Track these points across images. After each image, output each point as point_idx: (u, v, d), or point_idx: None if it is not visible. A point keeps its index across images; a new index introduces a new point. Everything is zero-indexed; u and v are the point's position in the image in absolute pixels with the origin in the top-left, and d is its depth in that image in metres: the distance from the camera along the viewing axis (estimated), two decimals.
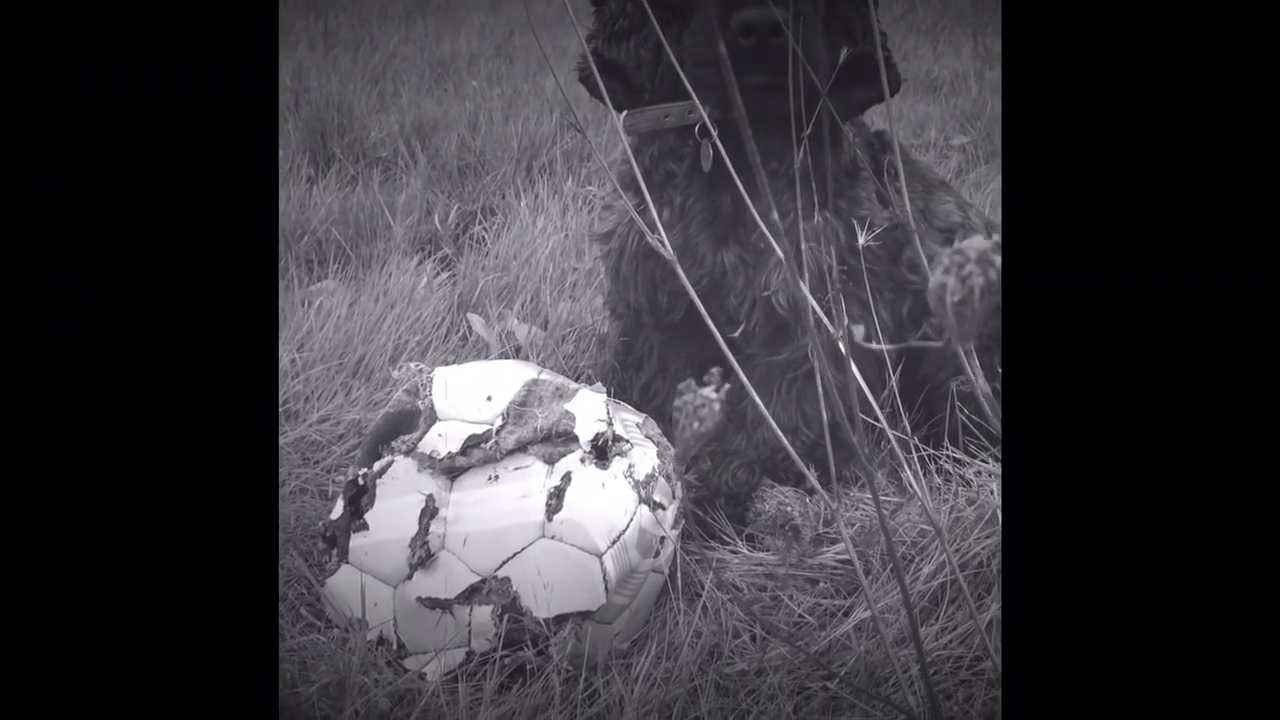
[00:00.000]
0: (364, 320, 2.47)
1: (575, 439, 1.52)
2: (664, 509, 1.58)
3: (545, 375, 1.62)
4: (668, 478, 1.60)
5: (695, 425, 0.76)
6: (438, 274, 2.86)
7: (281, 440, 2.13)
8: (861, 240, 1.31)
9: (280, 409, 2.23)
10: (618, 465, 1.53)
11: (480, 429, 1.52)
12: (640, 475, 1.55)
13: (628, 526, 1.50)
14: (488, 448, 1.50)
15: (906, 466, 1.33)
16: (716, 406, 0.75)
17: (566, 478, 1.49)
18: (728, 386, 0.74)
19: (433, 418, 1.57)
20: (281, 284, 2.68)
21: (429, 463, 1.52)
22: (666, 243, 1.24)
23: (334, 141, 3.75)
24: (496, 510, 1.48)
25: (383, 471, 1.55)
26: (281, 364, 2.31)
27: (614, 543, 1.48)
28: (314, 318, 2.47)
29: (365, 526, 1.52)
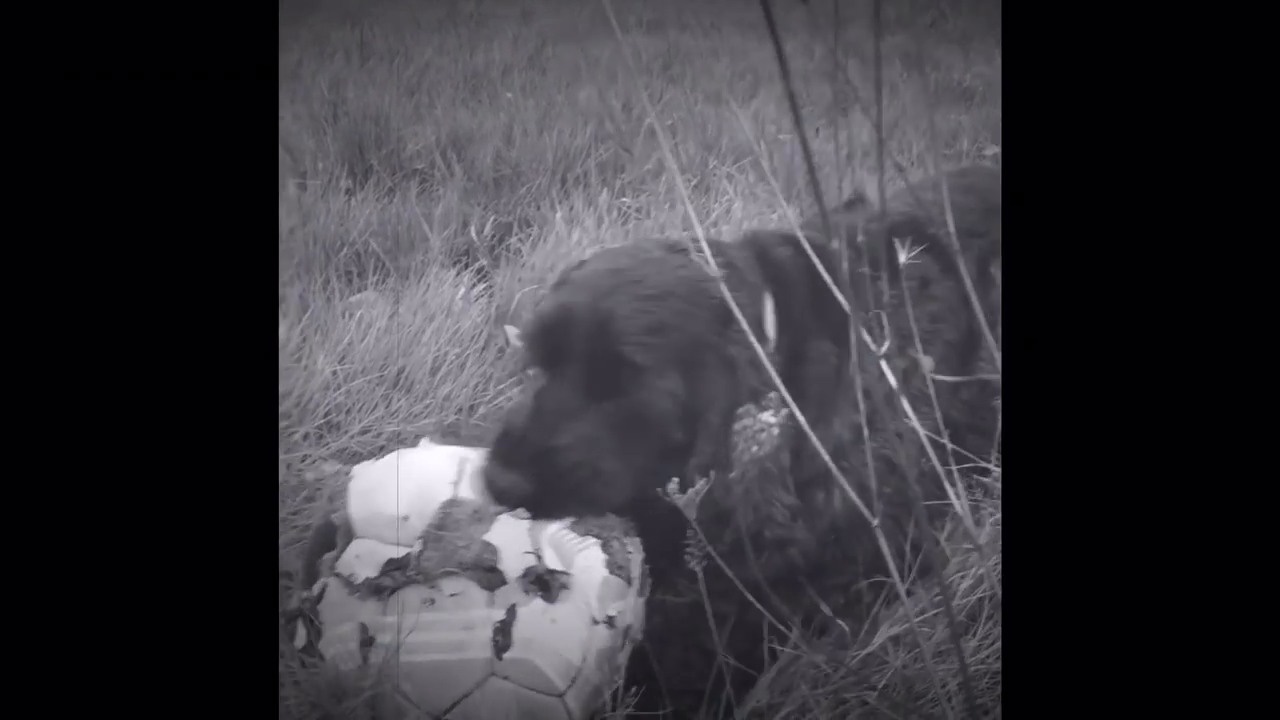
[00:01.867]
0: (404, 333, 2.50)
1: (499, 572, 1.43)
2: (628, 586, 1.51)
3: (462, 492, 1.53)
4: (620, 568, 1.51)
5: (754, 449, 0.78)
6: (474, 286, 2.89)
7: (323, 452, 2.16)
8: (904, 258, 1.32)
9: (322, 420, 2.27)
10: (565, 598, 1.44)
11: (398, 552, 1.45)
12: (593, 600, 1.45)
13: (585, 658, 1.42)
14: (409, 574, 1.43)
15: (948, 481, 1.34)
16: (775, 431, 0.77)
17: (511, 612, 1.40)
18: (785, 411, 0.76)
19: (349, 534, 1.50)
20: (322, 296, 2.72)
21: (352, 587, 1.44)
22: (711, 260, 1.26)
23: (371, 153, 3.79)
24: (439, 641, 1.39)
25: (320, 597, 1.47)
26: (323, 376, 2.34)
27: (574, 680, 1.40)
28: (354, 330, 2.51)
29: (321, 657, 1.44)
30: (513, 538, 1.48)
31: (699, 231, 1.44)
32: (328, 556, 1.49)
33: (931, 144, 4.29)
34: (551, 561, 1.47)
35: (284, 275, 2.89)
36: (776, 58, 0.67)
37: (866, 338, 1.25)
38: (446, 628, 1.40)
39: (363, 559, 1.46)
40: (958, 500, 1.26)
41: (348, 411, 2.28)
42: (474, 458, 1.58)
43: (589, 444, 1.54)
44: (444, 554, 1.43)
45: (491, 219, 3.37)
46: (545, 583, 1.43)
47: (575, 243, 3.06)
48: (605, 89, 4.77)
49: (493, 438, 1.56)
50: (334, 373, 2.36)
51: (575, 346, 1.56)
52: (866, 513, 1.22)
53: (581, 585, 1.46)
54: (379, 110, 3.99)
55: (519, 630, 1.39)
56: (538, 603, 1.41)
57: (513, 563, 1.44)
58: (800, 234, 1.14)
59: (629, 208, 3.46)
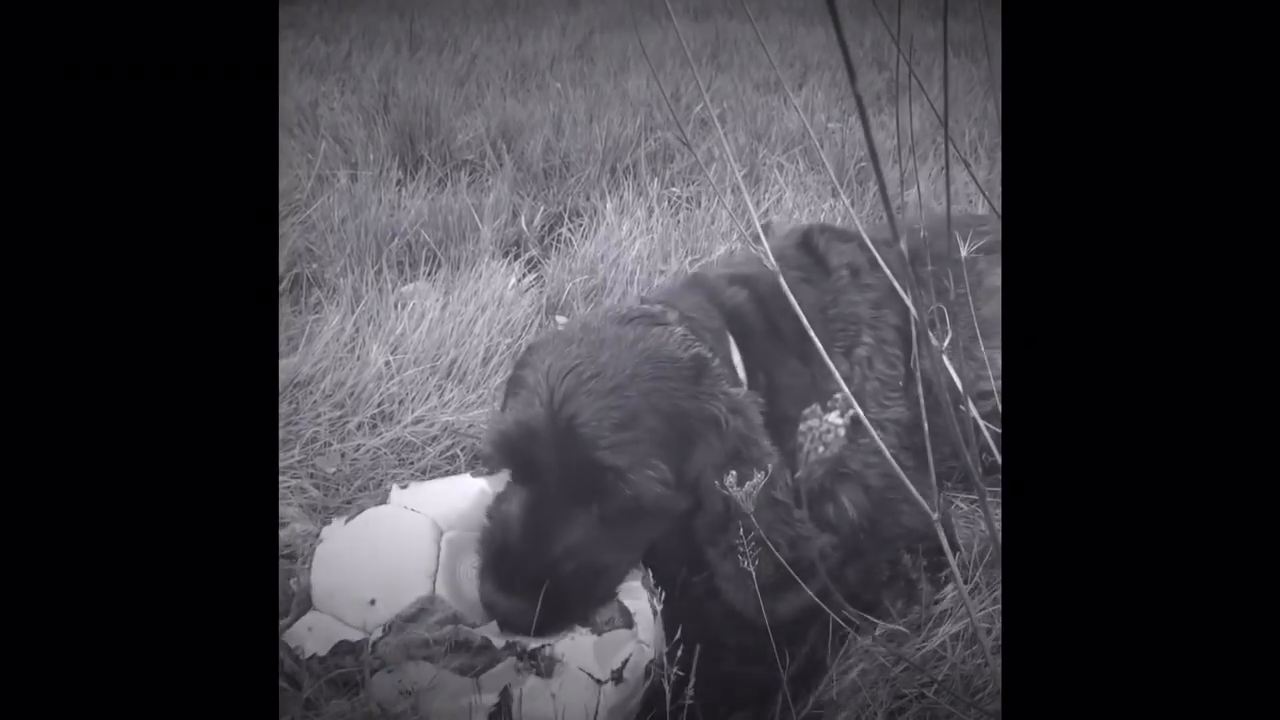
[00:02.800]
0: (456, 323, 2.51)
1: (488, 647, 1.36)
2: (630, 629, 1.46)
3: (439, 591, 1.42)
4: (609, 621, 1.46)
5: (820, 450, 0.77)
6: (524, 276, 2.89)
7: (377, 441, 2.18)
8: (964, 251, 1.31)
9: (376, 410, 2.28)
10: (560, 670, 1.37)
11: (354, 635, 1.36)
12: (592, 664, 1.39)
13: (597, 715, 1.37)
14: (365, 659, 1.33)
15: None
16: (841, 432, 0.76)
17: (505, 695, 1.33)
18: (852, 413, 0.75)
19: (306, 603, 1.41)
20: (375, 287, 2.73)
21: (301, 669, 1.35)
22: (770, 257, 1.25)
23: (422, 144, 3.80)
24: None
25: (297, 678, 1.39)
26: (376, 366, 2.36)
27: None
28: (407, 320, 2.52)
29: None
30: (490, 626, 1.41)
31: (756, 222, 1.43)
32: (281, 624, 1.40)
33: (983, 132, 4.23)
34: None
35: (336, 266, 2.91)
36: (845, 65, 0.65)
37: (928, 333, 1.24)
38: (437, 716, 1.33)
39: (314, 633, 1.37)
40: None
41: (401, 402, 2.30)
42: (451, 532, 1.50)
43: (586, 549, 1.49)
44: (406, 640, 1.34)
45: (541, 209, 3.37)
46: (535, 658, 1.36)
47: (626, 233, 3.05)
48: (653, 78, 4.76)
49: (485, 555, 1.49)
50: (387, 363, 2.37)
51: (546, 460, 1.50)
52: (926, 506, 1.21)
53: (575, 651, 1.40)
54: (429, 101, 4.01)
55: (518, 710, 1.33)
56: (533, 681, 1.34)
57: (494, 641, 1.37)
58: (862, 230, 1.12)
59: (679, 197, 3.45)
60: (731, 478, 1.21)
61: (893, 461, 1.21)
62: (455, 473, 2.11)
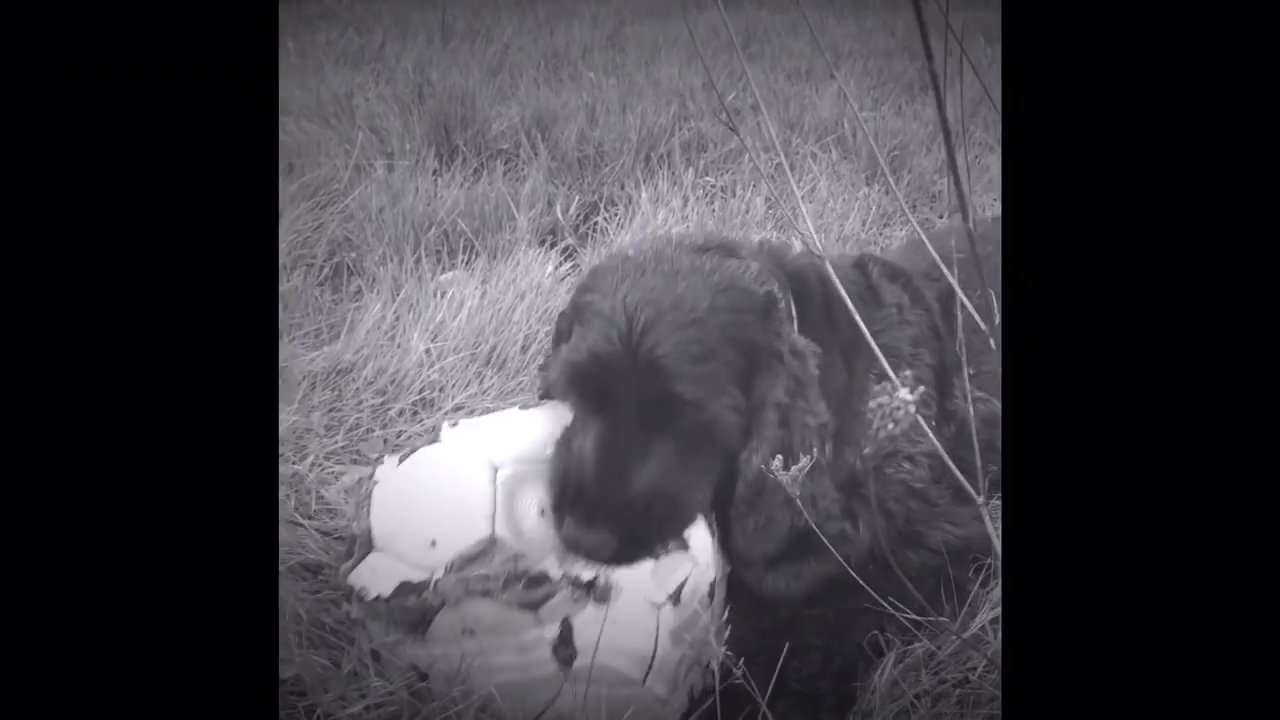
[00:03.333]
0: (494, 311, 2.53)
1: (544, 579, 1.36)
2: (686, 550, 1.47)
3: (500, 531, 1.40)
4: (682, 545, 1.47)
5: (890, 426, 0.79)
6: (560, 264, 2.91)
7: (418, 428, 2.21)
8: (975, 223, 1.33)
9: (417, 397, 2.31)
10: (617, 595, 1.38)
11: (416, 575, 1.36)
12: (649, 586, 1.40)
13: (658, 642, 1.38)
14: (426, 597, 1.34)
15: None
16: (912, 409, 0.78)
17: (566, 625, 1.34)
18: (922, 389, 0.77)
19: (368, 545, 1.42)
20: (414, 276, 2.76)
21: (369, 609, 1.38)
22: (816, 241, 1.26)
23: (457, 134, 3.82)
24: (497, 665, 1.35)
25: (361, 623, 1.43)
26: (416, 354, 2.39)
27: (651, 667, 1.37)
28: (446, 309, 2.54)
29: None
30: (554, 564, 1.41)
31: (802, 208, 1.44)
32: (344, 566, 1.43)
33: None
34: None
35: (375, 254, 2.94)
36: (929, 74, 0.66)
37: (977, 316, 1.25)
38: (500, 652, 1.34)
39: (378, 574, 1.39)
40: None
41: (441, 389, 2.33)
42: (505, 469, 1.48)
43: (665, 481, 1.49)
44: (467, 576, 1.34)
45: (577, 198, 3.39)
46: (592, 587, 1.36)
47: (661, 222, 3.07)
48: (685, 67, 4.77)
49: (561, 492, 1.47)
50: (427, 351, 2.40)
51: (621, 392, 1.49)
52: (971, 490, 1.23)
53: (631, 576, 1.40)
54: (464, 91, 4.03)
55: (579, 638, 1.34)
56: (590, 609, 1.35)
57: (551, 574, 1.37)
58: (914, 221, 1.14)
59: (714, 186, 3.46)
60: (778, 461, 1.21)
61: (943, 452, 1.22)
62: None
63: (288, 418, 2.13)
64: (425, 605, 1.33)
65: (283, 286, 2.69)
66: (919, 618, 1.50)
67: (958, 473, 1.23)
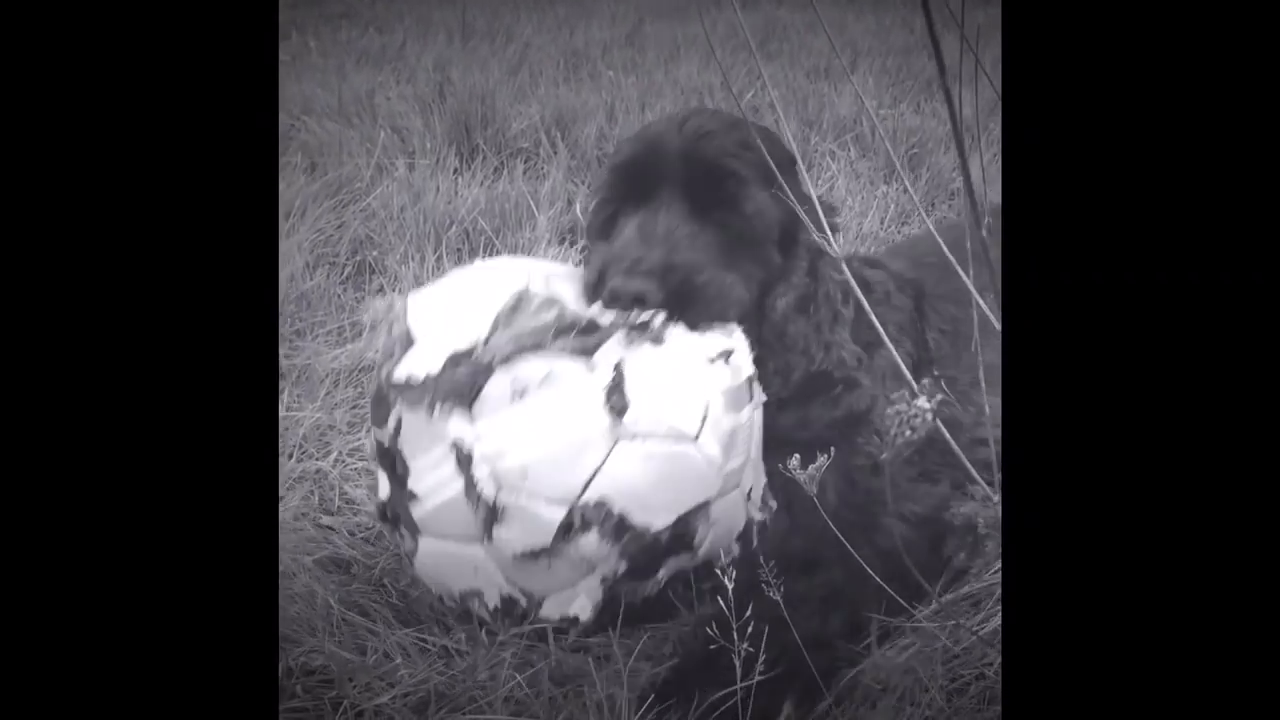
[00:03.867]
0: None
1: (595, 326, 1.33)
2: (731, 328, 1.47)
3: (534, 284, 1.39)
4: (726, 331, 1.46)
5: (908, 433, 0.80)
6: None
7: None
8: (984, 230, 1.33)
9: None
10: (672, 337, 1.36)
11: (464, 343, 1.31)
12: (701, 340, 1.38)
13: (711, 402, 1.34)
14: (477, 357, 1.30)
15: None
16: (930, 416, 0.79)
17: (619, 370, 1.30)
18: (940, 396, 0.79)
19: (408, 341, 1.37)
20: (435, 274, 2.79)
21: (419, 393, 1.31)
22: (831, 240, 1.28)
23: (477, 133, 3.85)
24: (545, 429, 1.29)
25: (397, 431, 1.36)
26: None
27: (704, 421, 1.32)
28: None
29: (414, 496, 1.36)
30: (592, 310, 1.39)
31: (816, 202, 1.46)
32: (387, 367, 1.37)
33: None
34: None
35: (396, 253, 2.98)
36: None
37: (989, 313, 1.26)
38: (549, 412, 1.30)
39: (423, 359, 1.33)
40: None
41: None
42: (539, 271, 1.47)
43: (706, 262, 1.53)
44: (514, 332, 1.30)
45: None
46: (647, 326, 1.34)
47: None
48: (704, 66, 4.78)
49: (602, 262, 1.50)
50: None
51: (670, 170, 1.56)
52: (983, 484, 1.24)
53: (680, 336, 1.39)
54: (483, 90, 4.06)
55: (632, 384, 1.30)
56: (645, 350, 1.33)
57: (602, 316, 1.35)
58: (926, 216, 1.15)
59: None
60: (795, 460, 1.23)
61: (949, 437, 1.23)
62: None
63: (311, 415, 2.16)
64: (476, 367, 1.29)
65: (304, 285, 2.73)
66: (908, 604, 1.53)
67: (967, 463, 1.24)
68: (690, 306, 1.48)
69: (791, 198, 1.33)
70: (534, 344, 1.30)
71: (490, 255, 3.01)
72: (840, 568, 1.52)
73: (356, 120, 4.10)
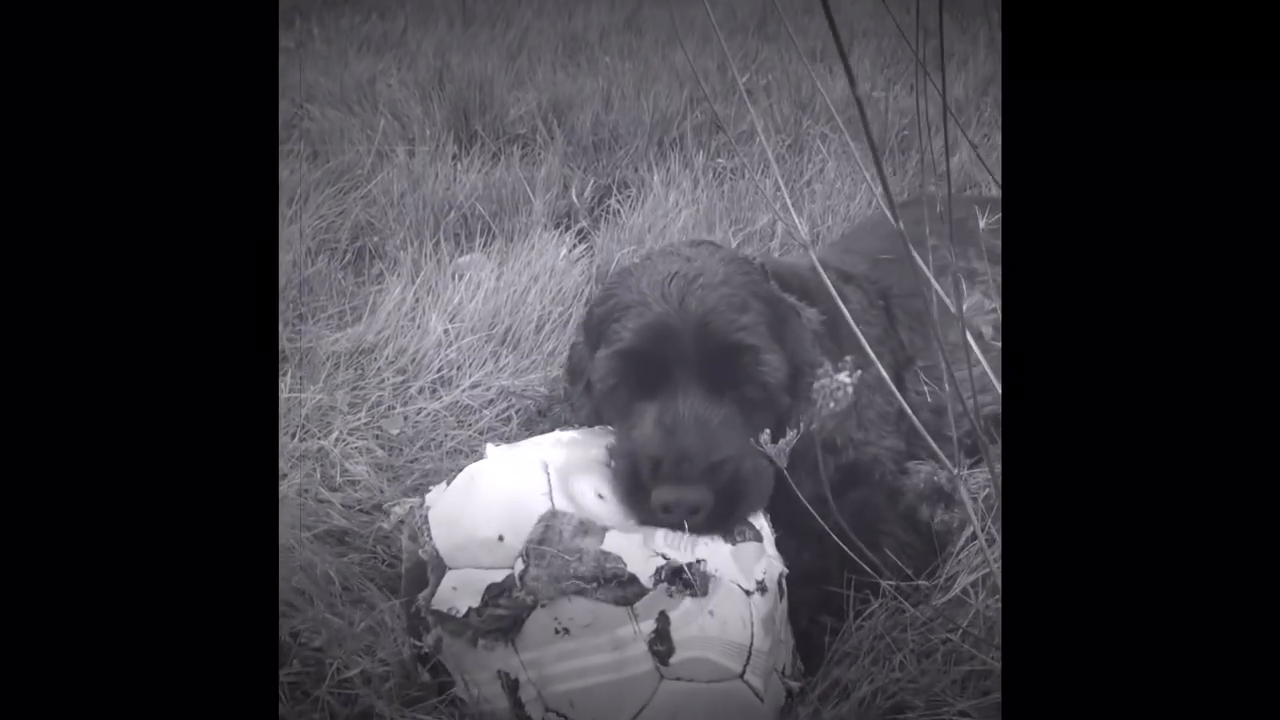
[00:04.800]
0: (510, 292, 2.64)
1: (636, 581, 1.34)
2: (760, 542, 1.49)
3: (557, 495, 1.42)
4: (741, 532, 1.48)
5: (831, 405, 0.89)
6: (575, 247, 3.01)
7: (437, 405, 2.32)
8: (983, 223, 1.40)
9: (435, 375, 2.43)
10: (714, 587, 1.37)
11: (499, 575, 1.35)
12: (738, 575, 1.40)
13: (753, 633, 1.37)
14: (515, 595, 1.34)
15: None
16: (850, 390, 0.88)
17: (664, 619, 1.33)
18: (859, 373, 0.87)
19: (441, 568, 1.40)
20: (433, 259, 2.88)
21: (464, 628, 1.36)
22: (802, 229, 1.36)
23: (476, 119, 3.92)
24: (590, 666, 1.33)
25: (438, 648, 1.42)
26: (435, 334, 2.50)
27: (748, 659, 1.36)
28: (464, 291, 2.66)
29: (461, 701, 1.41)
30: (629, 542, 1.39)
31: (786, 198, 1.54)
32: (423, 595, 1.41)
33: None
34: (689, 555, 1.40)
35: (396, 238, 3.06)
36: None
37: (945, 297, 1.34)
38: (594, 651, 1.33)
39: (460, 590, 1.37)
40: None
41: (459, 367, 2.44)
42: (556, 459, 1.50)
43: (741, 441, 1.52)
44: (553, 570, 1.34)
45: (591, 182, 3.49)
46: (689, 580, 1.35)
47: (672, 204, 3.16)
48: (701, 50, 4.84)
49: (631, 463, 1.51)
50: (445, 331, 2.52)
51: (682, 356, 1.56)
52: (948, 463, 1.32)
53: (720, 566, 1.40)
54: (482, 76, 4.13)
55: (676, 632, 1.33)
56: (688, 602, 1.34)
57: (640, 566, 1.35)
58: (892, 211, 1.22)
59: (724, 169, 3.54)
60: (765, 435, 1.30)
61: (914, 419, 1.31)
62: (510, 433, 2.25)
63: (313, 396, 2.25)
64: (518, 605, 1.33)
65: (307, 271, 2.81)
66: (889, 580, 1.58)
67: (930, 440, 1.32)
68: (741, 502, 1.50)
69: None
70: (576, 591, 1.33)
71: (487, 240, 3.09)
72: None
73: (358, 108, 4.17)
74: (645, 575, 1.34)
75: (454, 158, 3.64)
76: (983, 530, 1.80)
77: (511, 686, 1.35)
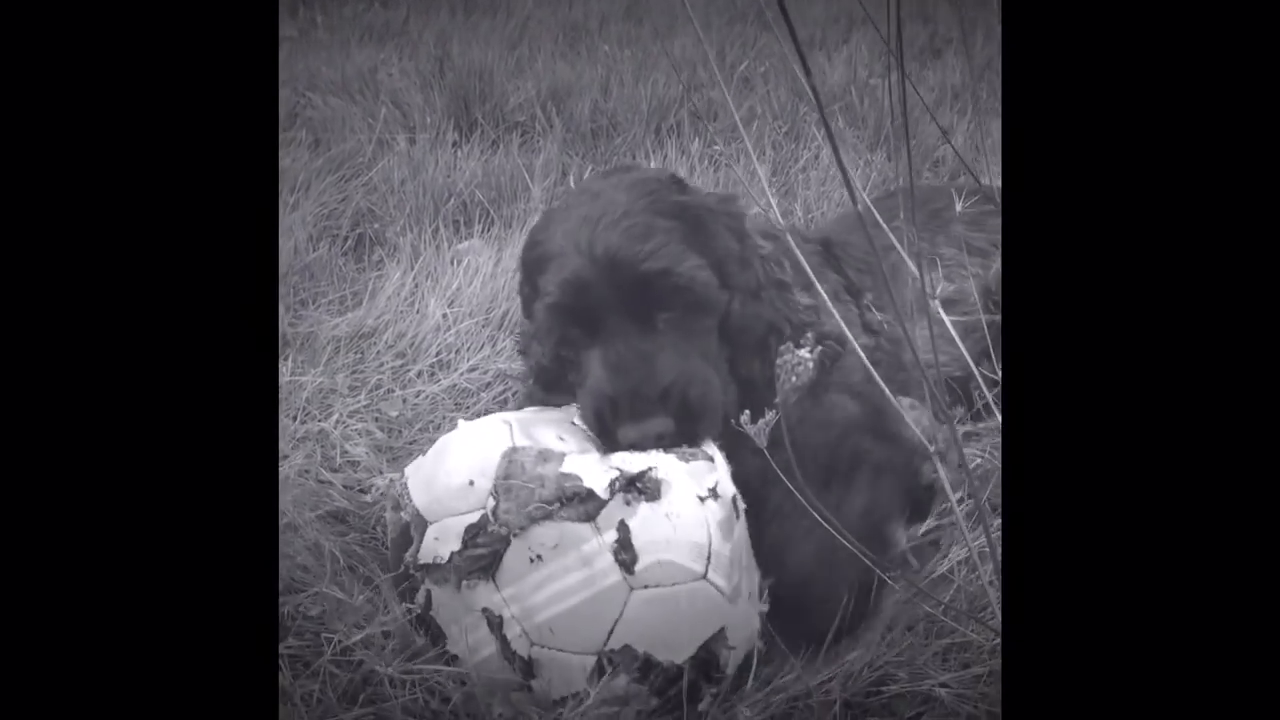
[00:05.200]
0: (508, 278, 2.69)
1: (594, 495, 1.43)
2: (711, 461, 1.56)
3: (519, 440, 1.51)
4: (691, 453, 1.56)
5: (793, 379, 0.93)
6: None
7: (435, 388, 2.37)
8: (958, 207, 1.45)
9: (434, 359, 2.48)
10: (667, 490, 1.46)
11: (474, 516, 1.45)
12: (690, 482, 1.49)
13: (710, 533, 1.46)
14: (494, 530, 1.43)
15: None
16: (810, 365, 0.92)
17: (624, 528, 1.41)
18: (820, 349, 0.91)
19: (422, 523, 1.50)
20: (432, 245, 2.92)
21: (446, 573, 1.45)
22: (775, 209, 1.40)
23: (476, 107, 3.97)
24: (564, 589, 1.41)
25: (428, 604, 1.50)
26: (434, 319, 2.55)
27: (709, 558, 1.44)
28: (462, 276, 2.71)
29: (455, 657, 1.49)
30: (585, 463, 1.48)
31: (763, 182, 1.58)
32: (409, 554, 1.50)
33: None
34: (640, 464, 1.49)
35: (396, 225, 3.11)
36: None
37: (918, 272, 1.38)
38: (566, 573, 1.41)
39: (442, 539, 1.46)
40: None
41: (457, 351, 2.49)
42: (517, 419, 1.59)
43: (685, 364, 1.63)
44: (519, 500, 1.42)
45: (589, 169, 3.53)
46: (643, 486, 1.44)
47: None
48: (698, 39, 4.86)
49: (598, 410, 1.61)
50: (444, 315, 2.57)
51: (604, 301, 1.65)
52: (925, 441, 1.36)
53: (672, 475, 1.48)
54: (483, 65, 4.17)
55: (638, 539, 1.41)
56: (644, 507, 1.43)
57: (598, 482, 1.44)
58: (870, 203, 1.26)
59: (720, 155, 3.58)
60: (745, 415, 1.35)
61: (880, 382, 1.33)
62: None
63: (314, 380, 2.30)
64: (494, 540, 1.42)
65: (308, 257, 2.86)
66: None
67: (882, 383, 1.35)
68: (699, 419, 1.60)
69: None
70: (542, 515, 1.41)
71: (487, 227, 3.14)
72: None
73: (360, 97, 4.21)
74: (601, 488, 1.43)
75: (454, 145, 3.68)
76: (967, 498, 1.85)
77: (497, 624, 1.43)
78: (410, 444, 2.20)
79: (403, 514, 1.52)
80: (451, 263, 2.80)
